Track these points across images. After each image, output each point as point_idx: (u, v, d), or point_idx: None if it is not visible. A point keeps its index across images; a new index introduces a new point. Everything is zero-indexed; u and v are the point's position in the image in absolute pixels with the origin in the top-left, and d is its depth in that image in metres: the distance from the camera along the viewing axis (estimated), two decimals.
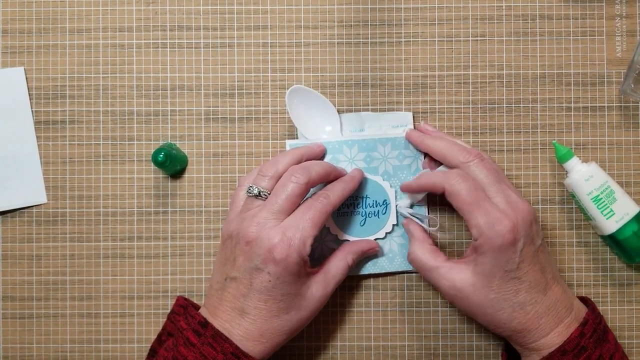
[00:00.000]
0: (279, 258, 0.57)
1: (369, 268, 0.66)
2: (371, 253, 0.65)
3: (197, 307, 0.63)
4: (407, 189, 0.64)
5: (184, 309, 0.61)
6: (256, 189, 0.59)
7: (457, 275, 0.59)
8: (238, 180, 0.64)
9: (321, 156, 0.65)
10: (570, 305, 0.59)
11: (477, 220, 0.58)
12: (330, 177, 0.62)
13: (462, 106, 0.67)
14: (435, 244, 0.64)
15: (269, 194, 0.59)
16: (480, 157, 0.60)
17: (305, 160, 0.62)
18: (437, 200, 0.66)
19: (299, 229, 0.58)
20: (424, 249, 0.62)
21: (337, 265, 0.62)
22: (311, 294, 0.60)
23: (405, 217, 0.65)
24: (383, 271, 0.66)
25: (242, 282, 0.58)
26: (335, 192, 0.61)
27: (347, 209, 0.65)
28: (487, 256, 0.57)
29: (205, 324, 0.58)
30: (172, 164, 0.64)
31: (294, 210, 0.59)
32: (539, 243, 0.59)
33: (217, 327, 0.58)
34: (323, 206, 0.59)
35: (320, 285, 0.61)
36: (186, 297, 0.66)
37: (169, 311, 0.66)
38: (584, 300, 0.62)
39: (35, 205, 0.67)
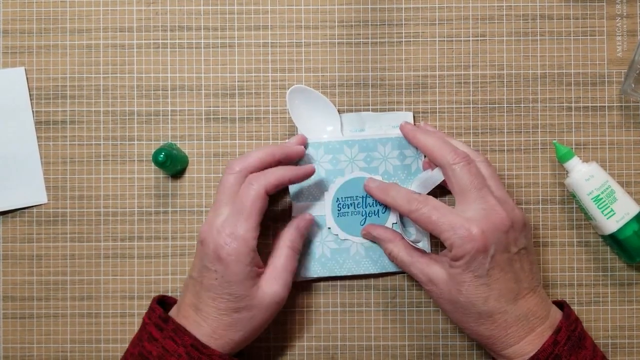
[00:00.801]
0: (223, 256, 0.57)
1: (369, 268, 0.66)
2: (309, 225, 0.64)
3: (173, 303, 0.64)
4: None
5: (151, 302, 0.62)
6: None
7: (433, 271, 0.60)
8: (228, 164, 0.61)
9: (297, 159, 0.64)
10: (545, 315, 0.59)
11: (444, 234, 0.58)
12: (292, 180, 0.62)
13: (462, 106, 0.67)
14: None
15: None
16: (467, 160, 0.59)
17: (277, 160, 0.61)
18: None
19: (240, 226, 0.58)
20: (399, 246, 0.63)
21: (280, 255, 0.61)
22: (262, 292, 0.59)
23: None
24: (383, 271, 0.66)
25: (197, 280, 0.59)
26: (269, 177, 0.60)
27: (347, 209, 0.65)
28: (458, 261, 0.58)
29: (166, 318, 0.59)
30: (172, 164, 0.64)
31: (249, 214, 0.59)
32: (515, 251, 0.58)
33: (177, 322, 0.58)
34: (256, 193, 0.59)
35: (271, 282, 0.60)
36: (163, 294, 0.66)
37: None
38: (560, 304, 0.62)
39: (36, 205, 0.67)
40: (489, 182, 0.60)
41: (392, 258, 0.64)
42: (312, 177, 0.63)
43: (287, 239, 0.62)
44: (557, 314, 0.59)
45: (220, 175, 0.67)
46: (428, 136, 0.62)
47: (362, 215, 0.65)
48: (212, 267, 0.58)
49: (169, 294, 0.67)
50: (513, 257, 0.58)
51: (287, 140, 0.65)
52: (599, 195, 0.63)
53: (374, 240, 0.65)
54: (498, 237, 0.57)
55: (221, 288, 0.58)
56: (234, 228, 0.58)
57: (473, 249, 0.57)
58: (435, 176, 0.62)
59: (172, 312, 0.61)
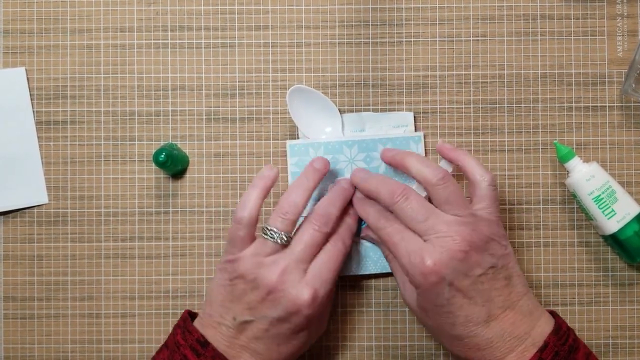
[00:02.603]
0: (307, 313, 0.57)
1: (369, 268, 0.66)
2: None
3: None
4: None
5: (184, 321, 0.60)
6: (277, 235, 0.58)
7: (408, 294, 0.61)
8: (235, 213, 0.60)
9: (325, 170, 0.63)
10: (527, 332, 0.56)
11: (401, 260, 0.58)
12: (344, 203, 0.63)
13: (463, 106, 0.67)
14: None
15: (289, 239, 0.59)
16: (404, 196, 0.59)
17: (315, 187, 0.61)
18: None
19: (324, 282, 0.58)
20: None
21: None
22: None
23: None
24: (383, 271, 0.66)
25: (258, 327, 0.58)
26: (347, 235, 0.61)
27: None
28: (417, 289, 0.58)
29: (205, 343, 0.57)
30: (173, 164, 0.64)
31: (314, 257, 0.59)
32: (480, 273, 0.56)
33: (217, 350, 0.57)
34: (342, 254, 0.60)
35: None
36: (192, 311, 0.63)
37: (170, 311, 0.66)
38: (551, 314, 0.59)
39: (37, 206, 0.67)
40: (444, 206, 0.59)
41: (388, 260, 0.64)
42: None
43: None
44: (545, 328, 0.57)
45: (220, 175, 0.67)
46: (408, 160, 0.61)
47: None
48: (290, 319, 0.58)
49: (170, 294, 0.67)
50: (478, 280, 0.56)
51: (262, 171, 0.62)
52: (599, 195, 0.63)
53: (374, 242, 0.65)
54: (454, 266, 0.56)
55: (291, 335, 0.58)
56: (320, 284, 0.59)
57: (426, 281, 0.56)
58: None
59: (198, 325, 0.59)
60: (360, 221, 0.65)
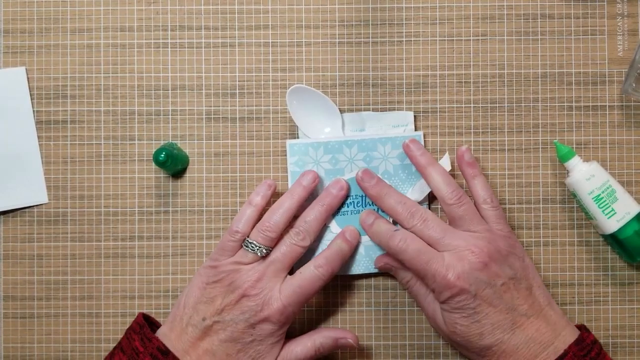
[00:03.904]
0: (275, 320, 0.59)
1: (369, 268, 0.66)
2: (343, 343, 0.63)
3: (157, 325, 0.63)
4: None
5: (140, 327, 0.61)
6: (257, 247, 0.61)
7: (433, 311, 0.62)
8: (231, 225, 0.62)
9: (314, 185, 0.64)
10: (551, 340, 0.58)
11: (427, 277, 0.59)
12: (328, 215, 0.64)
13: (463, 105, 0.67)
14: None
15: (269, 251, 0.61)
16: (422, 219, 0.61)
17: (301, 203, 0.63)
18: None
19: (294, 303, 0.60)
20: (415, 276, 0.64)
21: (304, 342, 0.62)
22: (273, 355, 0.61)
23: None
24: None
25: (224, 330, 0.60)
26: (337, 264, 0.63)
27: (347, 208, 0.65)
28: (443, 304, 0.59)
29: (165, 351, 0.58)
30: (173, 164, 0.64)
31: (290, 267, 0.62)
32: (502, 282, 0.59)
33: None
34: (321, 281, 0.62)
35: (282, 356, 0.61)
36: (146, 314, 0.65)
37: (169, 311, 0.66)
38: (579, 328, 0.61)
39: (37, 205, 0.67)
40: (458, 221, 0.61)
41: (408, 286, 0.64)
42: None
43: (320, 339, 0.63)
44: (569, 338, 0.59)
45: (220, 174, 0.67)
46: (434, 170, 0.63)
47: None
48: (257, 325, 0.60)
49: (170, 294, 0.67)
50: (500, 289, 0.59)
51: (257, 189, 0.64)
52: (599, 194, 0.63)
53: (389, 270, 0.65)
54: (475, 276, 0.58)
55: (252, 344, 0.60)
56: (291, 299, 0.61)
57: (452, 294, 0.58)
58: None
59: (164, 341, 0.60)
60: (358, 220, 0.65)
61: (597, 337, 0.66)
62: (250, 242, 0.61)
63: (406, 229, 0.62)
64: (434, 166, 0.63)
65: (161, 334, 0.61)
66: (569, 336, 0.59)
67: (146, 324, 0.61)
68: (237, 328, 0.59)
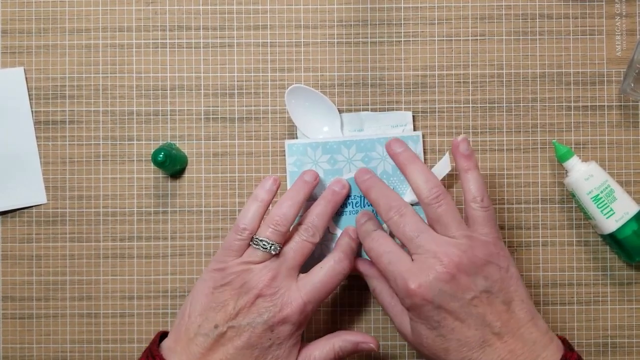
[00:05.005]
0: (294, 320, 0.57)
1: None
2: (364, 348, 0.60)
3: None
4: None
5: (151, 344, 0.57)
6: (268, 245, 0.58)
7: (401, 322, 0.59)
8: (236, 222, 0.60)
9: (315, 182, 0.63)
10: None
11: (392, 276, 0.57)
12: (334, 210, 0.63)
13: (461, 105, 0.67)
14: None
15: (280, 248, 0.59)
16: (399, 213, 0.58)
17: (306, 200, 0.61)
18: None
19: (315, 295, 0.58)
20: (381, 285, 0.62)
21: (322, 346, 0.60)
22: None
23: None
24: None
25: (239, 336, 0.56)
26: (352, 256, 0.61)
27: (345, 208, 0.65)
28: (409, 312, 0.56)
29: None
30: (172, 164, 0.64)
31: (301, 265, 0.60)
32: (472, 296, 0.54)
33: None
34: (341, 276, 0.60)
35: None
36: (166, 332, 0.61)
37: (169, 311, 0.66)
38: (563, 342, 0.56)
39: (35, 206, 0.67)
40: (435, 225, 0.57)
41: (374, 294, 0.62)
42: None
43: (339, 342, 0.60)
44: (550, 357, 0.53)
45: (219, 174, 0.67)
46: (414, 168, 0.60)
47: None
48: (275, 327, 0.57)
49: (169, 294, 0.67)
50: (470, 303, 0.54)
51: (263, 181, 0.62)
52: (598, 194, 0.63)
53: (366, 276, 0.63)
54: (439, 288, 0.54)
55: (270, 349, 0.57)
56: (310, 296, 0.59)
57: (414, 303, 0.55)
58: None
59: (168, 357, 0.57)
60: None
61: (594, 336, 0.66)
62: (260, 240, 0.58)
63: (384, 221, 0.59)
64: (415, 163, 0.59)
65: (165, 347, 0.57)
66: (552, 357, 0.53)
67: (157, 342, 0.58)
68: (254, 332, 0.56)
